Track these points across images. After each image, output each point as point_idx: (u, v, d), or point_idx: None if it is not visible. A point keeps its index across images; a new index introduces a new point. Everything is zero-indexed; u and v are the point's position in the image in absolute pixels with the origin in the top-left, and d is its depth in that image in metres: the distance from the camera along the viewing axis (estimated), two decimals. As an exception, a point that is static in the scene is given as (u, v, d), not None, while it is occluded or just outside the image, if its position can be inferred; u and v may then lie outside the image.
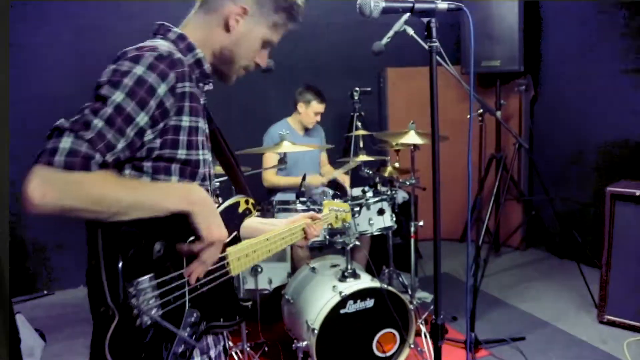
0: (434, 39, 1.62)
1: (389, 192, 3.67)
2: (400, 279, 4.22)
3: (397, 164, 4.19)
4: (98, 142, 1.25)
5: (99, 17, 4.89)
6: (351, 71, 5.46)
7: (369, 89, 4.74)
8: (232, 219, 1.60)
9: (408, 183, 3.78)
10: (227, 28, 1.54)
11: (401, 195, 4.56)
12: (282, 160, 3.48)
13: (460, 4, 1.64)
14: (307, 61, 5.42)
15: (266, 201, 3.68)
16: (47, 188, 1.19)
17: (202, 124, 1.51)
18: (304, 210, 3.46)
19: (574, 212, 5.11)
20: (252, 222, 1.87)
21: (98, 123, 1.26)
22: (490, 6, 4.88)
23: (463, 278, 4.92)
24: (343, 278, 3.30)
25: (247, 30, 1.55)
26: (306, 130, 4.57)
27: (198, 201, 1.38)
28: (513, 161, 4.75)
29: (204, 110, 1.57)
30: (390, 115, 5.79)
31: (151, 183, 1.40)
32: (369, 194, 3.62)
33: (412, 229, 3.86)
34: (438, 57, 3.44)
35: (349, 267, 3.34)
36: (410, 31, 3.49)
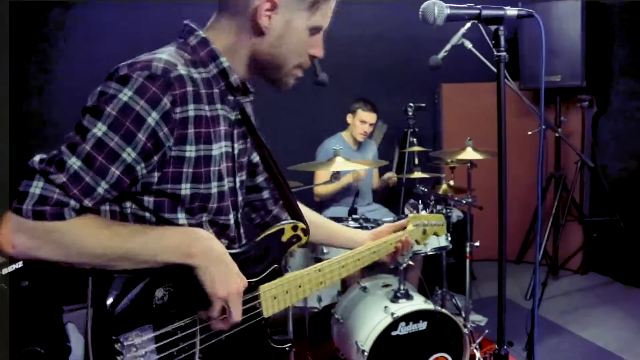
0: (502, 48, 1.51)
1: (444, 211, 3.54)
2: (453, 300, 4.07)
3: (452, 182, 4.06)
4: (72, 187, 1.10)
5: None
6: (405, 87, 5.36)
7: (423, 104, 4.64)
8: (272, 249, 1.43)
9: (464, 202, 3.64)
10: (259, 30, 1.28)
11: (456, 214, 4.41)
12: (336, 176, 3.41)
13: (531, 10, 1.53)
14: (361, 76, 5.35)
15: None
16: (17, 239, 1.07)
17: (223, 149, 1.32)
18: (355, 228, 3.36)
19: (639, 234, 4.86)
20: (331, 225, 1.77)
21: (74, 164, 1.10)
22: (551, 17, 4.71)
23: (519, 301, 4.71)
24: (395, 299, 3.20)
25: (284, 25, 1.28)
26: (359, 145, 4.49)
27: (198, 253, 1.20)
28: (575, 180, 4.55)
29: (231, 131, 1.37)
30: (445, 131, 5.66)
31: (144, 230, 1.20)
32: (423, 212, 3.50)
33: (468, 249, 3.72)
34: (495, 69, 3.33)
35: (402, 287, 3.23)
36: (469, 45, 3.37)
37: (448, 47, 3.30)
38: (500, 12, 1.50)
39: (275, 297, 1.42)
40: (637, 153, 4.86)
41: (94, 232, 1.13)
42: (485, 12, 1.49)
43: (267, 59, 1.32)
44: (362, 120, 4.37)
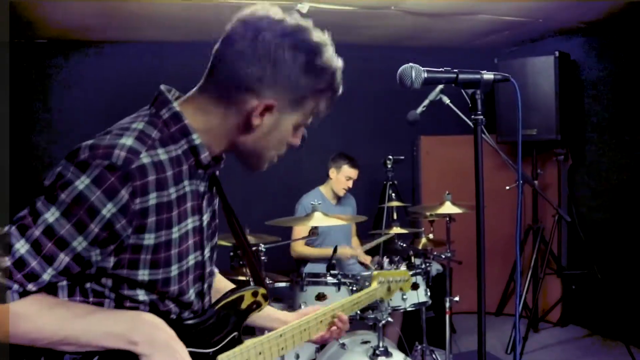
0: (479, 112, 1.52)
1: (423, 266, 3.52)
2: (433, 355, 4.00)
3: (431, 236, 4.05)
4: (16, 271, 1.07)
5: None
6: (384, 139, 5.40)
7: (402, 157, 4.67)
8: (231, 317, 1.40)
9: (444, 256, 3.63)
10: (248, 127, 1.26)
11: (435, 268, 4.38)
12: (314, 231, 3.38)
13: (506, 74, 1.55)
14: (339, 129, 5.38)
15: (295, 273, 3.55)
16: None
17: (189, 226, 1.28)
18: (334, 284, 3.33)
19: (618, 286, 4.86)
20: (270, 312, 1.66)
21: (21, 247, 1.08)
22: (526, 73, 4.82)
23: (500, 355, 4.66)
24: (374, 356, 3.14)
25: (273, 124, 1.28)
26: (338, 199, 4.48)
27: (142, 341, 1.16)
28: (553, 232, 4.57)
29: (199, 204, 1.33)
30: (424, 183, 5.68)
31: (88, 313, 1.16)
32: (402, 267, 3.47)
33: (448, 304, 3.69)
34: (472, 124, 3.37)
35: (381, 344, 3.17)
36: (447, 100, 3.42)
37: (426, 102, 3.35)
38: (477, 77, 1.51)
39: None
40: (613, 205, 4.92)
41: (36, 315, 1.11)
42: (462, 77, 1.50)
43: (246, 149, 1.32)
44: (348, 176, 4.36)
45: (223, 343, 1.37)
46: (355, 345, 3.38)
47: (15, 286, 1.08)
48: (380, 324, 3.17)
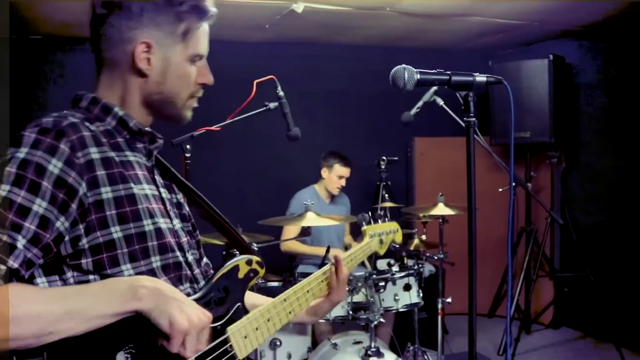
0: (471, 114, 1.52)
1: (415, 267, 3.52)
2: (425, 356, 4.01)
3: (424, 237, 4.06)
4: None
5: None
6: (378, 140, 5.40)
7: (395, 158, 4.67)
8: (232, 288, 1.36)
9: (436, 257, 3.63)
10: (142, 73, 1.31)
11: (427, 269, 4.39)
12: (307, 231, 3.37)
13: (499, 77, 1.55)
14: (333, 129, 5.39)
15: (288, 272, 3.55)
16: None
17: (147, 191, 1.31)
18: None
19: (610, 289, 4.88)
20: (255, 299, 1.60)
21: None
22: (520, 76, 4.83)
23: (491, 356, 4.67)
24: (366, 356, 3.15)
25: (163, 62, 1.32)
26: (332, 198, 4.48)
27: (147, 295, 1.12)
28: (545, 235, 4.58)
29: (152, 177, 1.38)
30: (417, 185, 5.69)
31: (84, 287, 1.15)
32: (395, 268, 3.47)
33: (440, 306, 3.69)
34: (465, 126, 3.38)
35: (373, 344, 3.17)
36: (440, 102, 3.43)
37: (420, 104, 3.36)
38: (470, 79, 1.51)
39: (247, 337, 1.37)
40: (606, 208, 4.93)
41: (28, 294, 1.06)
42: (454, 78, 1.50)
43: (157, 98, 1.34)
44: (340, 175, 4.36)
45: (229, 315, 1.35)
46: (347, 345, 3.38)
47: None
48: (373, 325, 3.18)
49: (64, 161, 1.13)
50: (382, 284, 3.36)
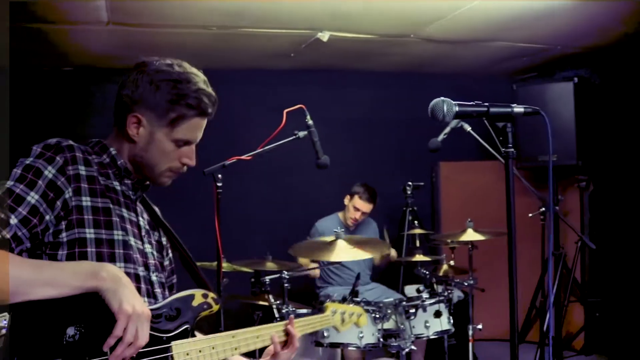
0: (510, 145, 1.53)
1: (445, 293, 3.50)
2: (456, 384, 3.97)
3: (452, 262, 4.04)
4: None
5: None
6: (403, 165, 5.41)
7: (421, 183, 4.67)
8: (183, 311, 1.53)
9: (466, 283, 3.61)
10: (130, 138, 1.58)
11: (456, 294, 4.36)
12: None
13: (536, 107, 1.56)
14: (358, 156, 5.40)
15: (317, 301, 3.55)
16: None
17: (125, 214, 1.56)
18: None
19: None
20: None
21: None
22: (544, 99, 4.82)
23: (523, 384, 4.58)
24: (398, 385, 3.12)
25: (148, 136, 1.57)
26: (356, 225, 4.47)
27: (107, 277, 1.35)
28: (576, 259, 4.52)
29: (134, 207, 1.63)
30: (443, 209, 5.66)
31: (56, 262, 1.41)
32: (425, 294, 3.45)
33: (471, 332, 3.66)
34: (492, 150, 3.37)
35: (405, 372, 3.15)
36: (468, 128, 3.44)
37: (447, 129, 3.37)
38: (507, 110, 1.52)
39: (188, 354, 1.50)
40: (634, 232, 4.87)
41: (9, 260, 1.30)
42: (493, 110, 1.52)
43: (139, 161, 1.60)
44: (356, 207, 4.36)
45: (176, 332, 1.51)
46: (378, 373, 3.36)
47: None
48: (404, 352, 3.16)
49: (57, 169, 1.44)
50: (413, 310, 3.35)
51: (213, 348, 1.56)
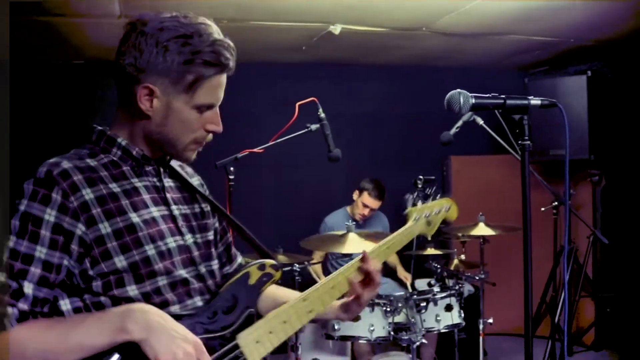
0: (526, 137, 1.52)
1: (456, 287, 3.50)
2: (466, 378, 3.97)
3: (463, 257, 4.03)
4: (2, 295, 1.21)
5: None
6: (414, 159, 5.40)
7: (432, 177, 4.65)
8: (241, 295, 1.39)
9: (477, 277, 3.60)
10: (143, 114, 1.36)
11: (467, 289, 4.35)
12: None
13: (553, 100, 1.55)
14: (369, 149, 5.40)
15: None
16: None
17: (154, 213, 1.38)
18: (368, 305, 3.30)
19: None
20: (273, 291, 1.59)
21: (1, 277, 1.23)
22: (557, 92, 4.78)
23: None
24: (408, 378, 3.12)
25: (165, 107, 1.35)
26: (365, 219, 4.47)
27: (135, 327, 1.20)
28: (588, 255, 4.50)
29: (162, 196, 1.43)
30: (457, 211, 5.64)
31: (81, 320, 1.25)
32: (436, 288, 3.45)
33: (481, 327, 3.65)
34: (505, 144, 3.35)
35: (415, 366, 3.15)
36: (480, 121, 3.43)
37: (460, 123, 3.37)
38: (524, 102, 1.52)
39: (259, 341, 1.38)
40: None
41: (35, 337, 1.21)
42: (509, 102, 1.51)
43: (159, 138, 1.39)
44: (365, 204, 4.36)
45: (239, 322, 1.38)
46: (388, 366, 3.37)
47: (11, 310, 1.20)
48: (415, 346, 3.16)
49: (57, 209, 1.26)
50: (424, 304, 3.35)
51: (285, 322, 1.42)
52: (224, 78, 1.40)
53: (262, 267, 1.43)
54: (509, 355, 4.82)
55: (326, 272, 4.46)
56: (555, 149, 4.83)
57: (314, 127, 3.12)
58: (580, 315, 5.28)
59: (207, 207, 1.57)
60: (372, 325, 3.23)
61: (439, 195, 2.04)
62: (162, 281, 1.34)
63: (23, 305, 1.21)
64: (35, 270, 1.23)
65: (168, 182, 1.49)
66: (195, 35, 1.33)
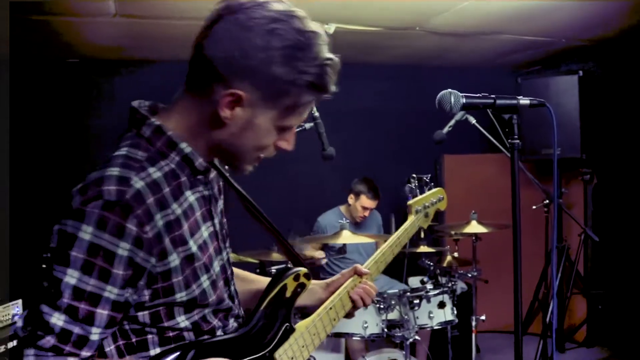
0: (515, 136, 1.56)
1: (449, 285, 3.53)
2: (458, 375, 4.01)
3: (456, 254, 4.06)
4: (64, 345, 1.06)
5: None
6: (407, 158, 5.43)
7: (425, 175, 4.68)
8: (279, 311, 1.38)
9: (470, 275, 3.64)
10: (220, 121, 1.17)
11: (460, 286, 4.39)
12: (342, 249, 3.41)
13: (542, 100, 1.58)
14: (363, 148, 5.42)
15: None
16: None
17: (204, 235, 1.25)
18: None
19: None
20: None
21: (58, 321, 1.05)
22: (549, 92, 4.83)
23: (525, 376, 4.62)
24: (402, 375, 3.15)
25: (247, 120, 1.17)
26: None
27: None
28: (579, 252, 4.55)
29: (208, 208, 1.30)
30: (447, 202, 5.68)
31: None
32: (429, 285, 3.48)
33: (474, 324, 3.69)
34: (497, 143, 3.39)
35: (408, 362, 3.19)
36: (472, 120, 3.47)
37: (452, 122, 3.40)
38: (514, 102, 1.55)
39: (293, 357, 1.39)
40: (638, 225, 4.88)
41: None
42: (499, 102, 1.54)
43: (226, 148, 1.22)
44: (364, 206, 4.39)
45: (277, 339, 1.36)
46: (381, 363, 3.40)
47: (71, 359, 1.07)
48: (408, 342, 3.19)
49: (132, 242, 1.08)
50: (417, 301, 3.38)
51: (315, 334, 1.44)
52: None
53: (296, 277, 1.41)
54: (501, 352, 4.86)
55: (323, 271, 4.48)
56: (547, 147, 4.88)
57: (308, 125, 3.14)
58: (572, 312, 5.32)
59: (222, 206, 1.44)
60: (365, 322, 3.26)
61: (432, 184, 2.09)
62: (208, 309, 1.26)
63: (87, 353, 1.08)
64: (104, 313, 1.08)
65: (214, 188, 1.36)
66: (306, 48, 1.13)
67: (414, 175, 4.54)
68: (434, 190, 1.98)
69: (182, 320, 1.22)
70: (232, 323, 1.36)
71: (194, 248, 1.20)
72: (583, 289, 5.07)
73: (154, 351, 1.21)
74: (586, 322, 5.25)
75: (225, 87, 1.13)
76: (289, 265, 1.52)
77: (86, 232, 1.05)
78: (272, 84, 1.13)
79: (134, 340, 1.20)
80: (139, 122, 1.20)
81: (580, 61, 5.22)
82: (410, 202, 1.88)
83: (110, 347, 1.19)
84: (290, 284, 1.40)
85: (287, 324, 1.39)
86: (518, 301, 1.48)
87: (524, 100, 1.56)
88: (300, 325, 1.44)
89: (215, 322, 1.30)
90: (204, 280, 1.22)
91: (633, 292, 4.71)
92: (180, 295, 1.17)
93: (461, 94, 1.54)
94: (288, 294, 1.39)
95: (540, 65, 5.71)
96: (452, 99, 1.54)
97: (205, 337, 1.27)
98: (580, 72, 4.76)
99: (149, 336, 1.21)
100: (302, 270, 1.43)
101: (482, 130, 3.31)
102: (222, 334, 1.32)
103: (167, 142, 1.19)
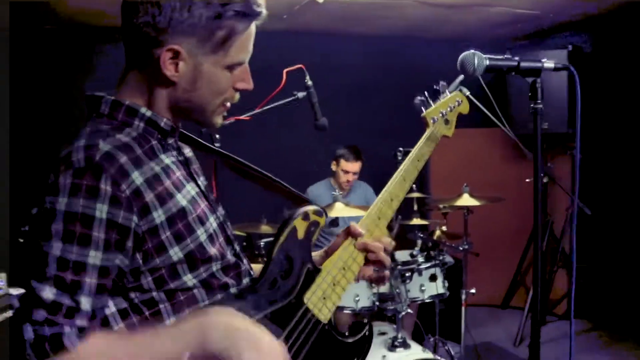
0: (539, 101, 1.51)
1: (440, 257, 3.51)
2: (446, 348, 4.00)
3: (444, 228, 4.04)
4: (55, 315, 1.04)
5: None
6: (396, 131, 5.36)
7: (411, 149, 4.64)
8: (295, 254, 1.28)
9: (461, 248, 3.63)
10: (168, 80, 1.18)
11: (447, 259, 4.40)
12: (334, 221, 3.36)
13: (567, 63, 1.53)
14: (351, 121, 5.35)
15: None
16: None
17: (191, 192, 1.23)
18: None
19: (627, 281, 4.88)
20: None
21: (48, 294, 1.04)
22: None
23: (508, 347, 4.67)
24: (393, 348, 3.16)
25: (193, 71, 1.19)
26: (349, 189, 4.45)
27: (217, 338, 1.06)
28: (565, 226, 4.58)
29: (188, 171, 1.30)
30: (432, 176, 5.66)
31: (155, 336, 1.09)
32: (421, 258, 3.46)
33: (464, 297, 3.69)
34: (493, 117, 3.35)
35: (399, 335, 3.17)
36: (467, 92, 3.41)
37: (446, 94, 3.34)
38: (538, 65, 1.51)
39: (325, 297, 1.31)
40: (625, 200, 4.93)
41: (104, 355, 1.07)
42: (523, 64, 1.49)
43: (186, 105, 1.24)
44: (345, 170, 4.30)
45: (301, 283, 1.29)
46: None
47: (66, 328, 1.05)
48: (400, 316, 3.17)
49: (109, 202, 1.06)
50: (408, 274, 3.36)
51: (344, 268, 1.37)
52: (254, 27, 1.23)
53: (306, 216, 1.31)
54: (484, 325, 4.91)
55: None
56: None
57: (301, 95, 3.07)
58: (555, 286, 5.39)
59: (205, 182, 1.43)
60: (357, 295, 3.23)
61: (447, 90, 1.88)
62: (215, 266, 1.22)
63: (81, 322, 1.05)
64: (91, 281, 1.06)
65: (188, 153, 1.37)
66: None
67: (401, 149, 4.48)
68: (451, 95, 1.74)
69: (190, 279, 1.18)
70: (248, 282, 1.31)
71: (184, 202, 1.19)
72: (564, 263, 5.12)
73: (170, 321, 1.17)
74: (567, 295, 5.32)
75: (161, 47, 1.15)
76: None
77: (62, 203, 1.05)
78: (199, 25, 1.15)
79: (147, 313, 1.16)
80: (95, 104, 1.21)
81: (570, 36, 5.22)
82: (423, 113, 1.70)
83: (119, 325, 1.15)
84: (300, 224, 1.31)
85: (309, 264, 1.31)
86: (537, 295, 1.44)
87: (548, 64, 1.52)
88: (326, 263, 1.36)
89: (227, 279, 1.25)
90: (201, 234, 1.20)
91: (615, 266, 4.77)
92: (175, 252, 1.15)
93: (485, 56, 1.49)
94: (300, 235, 1.30)
95: (529, 40, 5.70)
96: (476, 60, 1.48)
97: (219, 296, 1.22)
98: (570, 47, 4.74)
99: (161, 306, 1.17)
100: (311, 208, 1.34)
101: (477, 103, 3.25)
102: (236, 291, 1.26)
103: (127, 110, 1.20)
